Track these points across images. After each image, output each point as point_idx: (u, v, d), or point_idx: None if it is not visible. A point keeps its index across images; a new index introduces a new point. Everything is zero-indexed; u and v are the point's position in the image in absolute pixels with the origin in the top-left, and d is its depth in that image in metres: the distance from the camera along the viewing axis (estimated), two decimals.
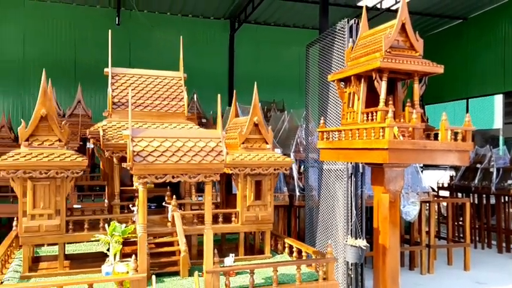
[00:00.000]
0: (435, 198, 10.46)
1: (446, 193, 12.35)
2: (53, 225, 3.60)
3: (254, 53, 14.74)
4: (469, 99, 15.74)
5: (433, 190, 12.10)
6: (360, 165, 7.05)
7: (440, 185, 12.31)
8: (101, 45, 13.13)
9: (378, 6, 12.41)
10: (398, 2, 12.04)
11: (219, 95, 4.66)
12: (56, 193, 3.59)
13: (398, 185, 4.90)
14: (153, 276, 3.23)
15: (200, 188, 6.93)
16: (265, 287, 3.53)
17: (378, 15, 12.43)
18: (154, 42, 13.20)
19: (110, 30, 4.52)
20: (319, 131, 5.53)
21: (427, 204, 10.05)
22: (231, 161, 4.01)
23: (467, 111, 15.62)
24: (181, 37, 4.87)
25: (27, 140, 3.59)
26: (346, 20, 7.17)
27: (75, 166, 3.57)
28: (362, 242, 5.83)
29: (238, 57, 14.68)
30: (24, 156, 3.48)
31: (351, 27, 7.19)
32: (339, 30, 7.52)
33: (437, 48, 15.88)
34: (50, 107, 3.67)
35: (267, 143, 4.27)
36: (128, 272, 3.27)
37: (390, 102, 4.75)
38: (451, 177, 12.00)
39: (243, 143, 4.19)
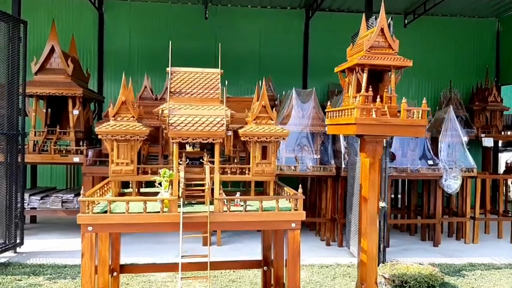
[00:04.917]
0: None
1: None
2: (129, 170, 6.10)
3: (327, 39, 16.21)
4: None
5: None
6: (386, 140, 8.79)
7: (509, 165, 13.22)
8: (191, 38, 15.82)
9: None
10: None
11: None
12: (130, 149, 6.07)
13: (377, 152, 6.63)
14: (181, 200, 5.58)
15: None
16: (255, 212, 5.65)
17: None
18: (236, 33, 15.49)
19: (170, 42, 6.77)
20: (326, 111, 7.46)
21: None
22: (243, 131, 6.16)
23: None
24: (217, 50, 6.96)
25: (113, 116, 6.13)
26: (374, 17, 8.84)
27: (141, 133, 6.02)
28: (382, 204, 7.84)
29: (312, 43, 16.41)
30: (112, 126, 6.00)
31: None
32: (370, 25, 9.17)
33: None
34: (128, 95, 6.17)
35: (272, 120, 6.35)
36: None
37: (370, 89, 6.52)
38: None
39: (254, 119, 6.31)
